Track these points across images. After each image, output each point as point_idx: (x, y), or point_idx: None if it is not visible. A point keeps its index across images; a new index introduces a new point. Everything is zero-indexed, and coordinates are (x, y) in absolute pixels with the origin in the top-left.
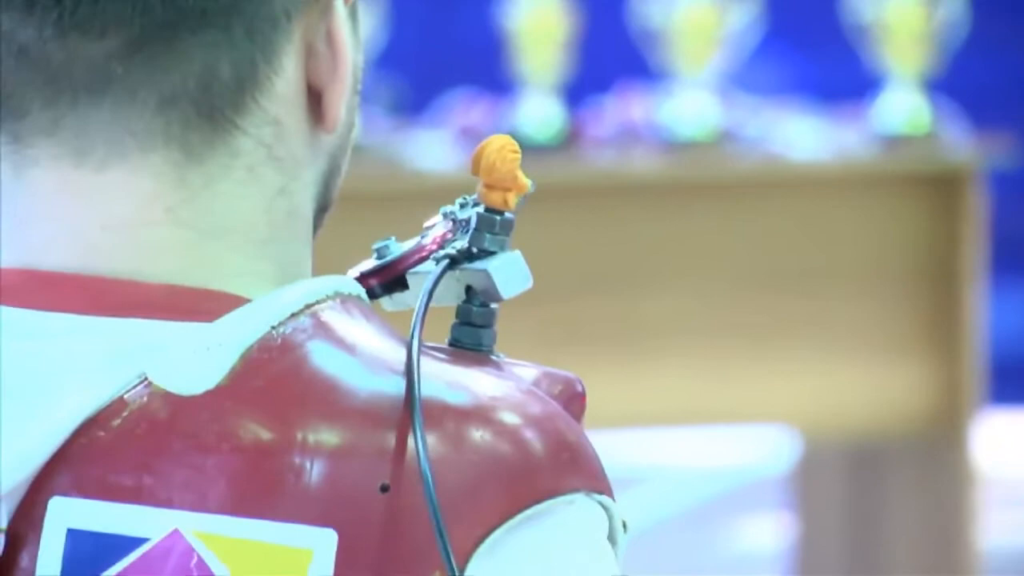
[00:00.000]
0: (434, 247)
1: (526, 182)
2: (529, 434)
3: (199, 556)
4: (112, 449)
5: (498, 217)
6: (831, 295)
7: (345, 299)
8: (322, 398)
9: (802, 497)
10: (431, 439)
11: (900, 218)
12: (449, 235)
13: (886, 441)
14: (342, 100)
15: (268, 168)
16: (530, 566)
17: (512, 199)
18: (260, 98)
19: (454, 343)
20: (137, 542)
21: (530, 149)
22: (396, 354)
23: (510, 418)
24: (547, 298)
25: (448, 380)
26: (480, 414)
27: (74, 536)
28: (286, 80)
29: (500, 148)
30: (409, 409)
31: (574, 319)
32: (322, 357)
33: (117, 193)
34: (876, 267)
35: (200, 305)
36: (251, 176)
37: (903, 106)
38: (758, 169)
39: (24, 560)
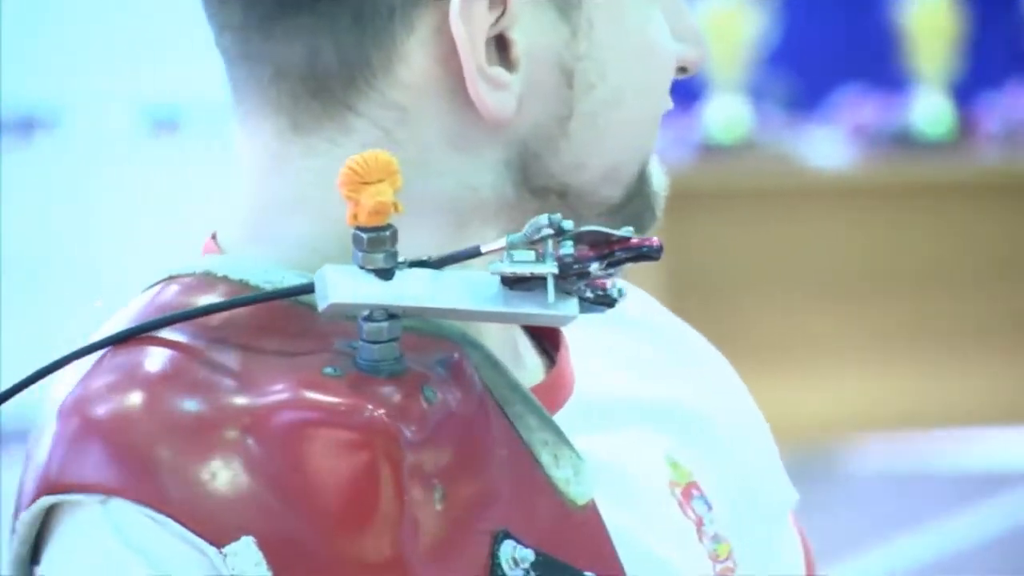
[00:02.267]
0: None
1: (359, 197)
2: (65, 430)
3: None
4: None
5: (364, 235)
6: None
7: (204, 280)
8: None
9: None
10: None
11: None
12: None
13: None
14: (480, 87)
15: (383, 149)
16: (45, 555)
17: (361, 214)
18: (376, 83)
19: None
20: None
21: (922, 145)
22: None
23: (64, 413)
24: (936, 290)
25: (102, 374)
26: (62, 405)
27: None
28: (411, 68)
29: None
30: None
31: (968, 312)
32: (99, 331)
33: (238, 148)
34: None
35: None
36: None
37: None
38: None
39: None
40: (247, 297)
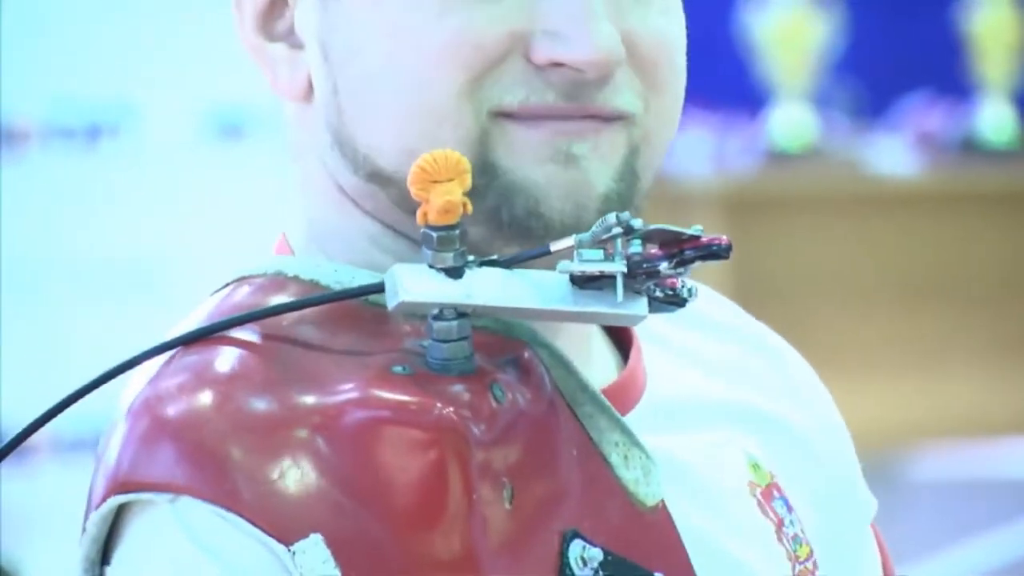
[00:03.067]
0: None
1: (428, 196)
2: (137, 429)
3: None
4: None
5: (434, 234)
6: None
7: (275, 280)
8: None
9: None
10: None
11: None
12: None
13: None
14: (263, 66)
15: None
16: (116, 554)
17: (431, 212)
18: None
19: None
20: None
21: (986, 153)
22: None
23: (134, 413)
24: (1000, 296)
25: (173, 371)
26: (132, 405)
27: None
28: None
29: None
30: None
31: None
32: (182, 324)
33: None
34: None
35: None
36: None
37: None
38: None
39: None
40: (317, 297)
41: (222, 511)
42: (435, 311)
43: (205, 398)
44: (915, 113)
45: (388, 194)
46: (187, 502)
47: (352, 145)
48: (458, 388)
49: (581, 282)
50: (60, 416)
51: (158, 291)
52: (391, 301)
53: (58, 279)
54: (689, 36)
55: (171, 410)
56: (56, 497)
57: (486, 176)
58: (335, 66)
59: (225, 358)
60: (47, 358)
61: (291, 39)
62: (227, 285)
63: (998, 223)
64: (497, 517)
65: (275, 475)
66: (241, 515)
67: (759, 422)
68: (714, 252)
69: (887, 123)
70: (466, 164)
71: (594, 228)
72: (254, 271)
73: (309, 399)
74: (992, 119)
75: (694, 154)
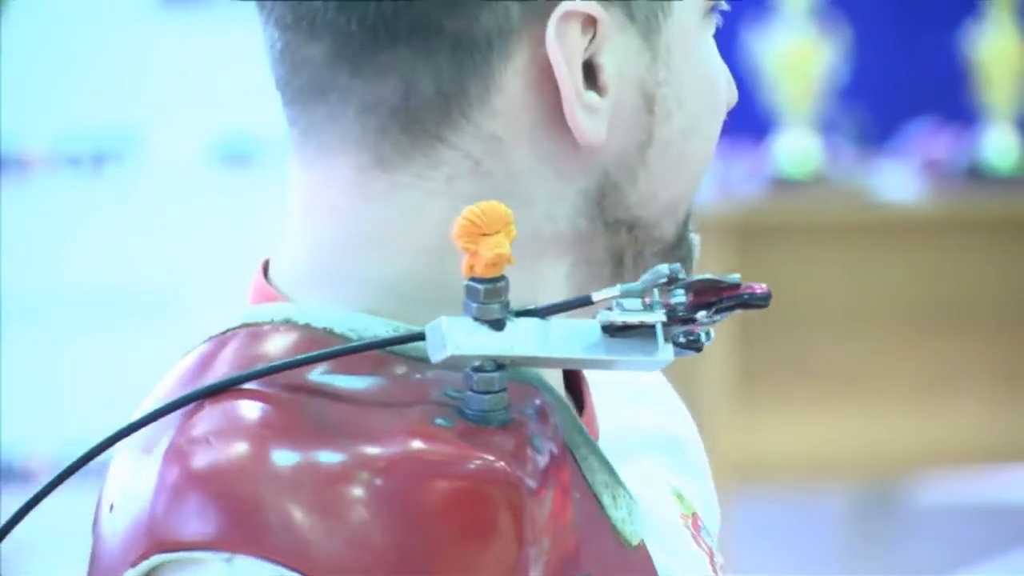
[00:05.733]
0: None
1: (476, 248)
2: (172, 483)
3: None
4: None
5: (481, 287)
6: None
7: (281, 328)
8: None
9: None
10: (129, 471)
11: None
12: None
13: None
14: (577, 113)
15: (470, 181)
16: None
17: (479, 265)
18: (471, 113)
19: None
20: None
21: (992, 179)
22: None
23: (166, 461)
24: (1005, 324)
25: (195, 422)
26: (165, 453)
27: None
28: (507, 97)
29: (461, 215)
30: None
31: None
32: (170, 376)
33: (304, 189)
34: None
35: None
36: (449, 187)
37: None
38: None
39: None
40: (353, 346)
41: (281, 568)
42: (476, 363)
43: (249, 450)
44: (920, 140)
45: (611, 240)
46: (243, 561)
47: (620, 193)
48: (502, 439)
49: (612, 331)
50: (58, 440)
51: (161, 318)
52: (437, 354)
53: (60, 305)
54: None
55: (214, 463)
56: (58, 524)
57: (686, 224)
58: (659, 119)
59: (257, 407)
60: (47, 383)
61: (595, 88)
62: (228, 331)
63: (1004, 249)
64: (538, 568)
65: (331, 529)
66: (300, 571)
67: (671, 450)
68: (750, 301)
69: (892, 150)
70: (512, 216)
71: (645, 278)
72: (259, 318)
73: (360, 451)
74: (997, 145)
75: None
